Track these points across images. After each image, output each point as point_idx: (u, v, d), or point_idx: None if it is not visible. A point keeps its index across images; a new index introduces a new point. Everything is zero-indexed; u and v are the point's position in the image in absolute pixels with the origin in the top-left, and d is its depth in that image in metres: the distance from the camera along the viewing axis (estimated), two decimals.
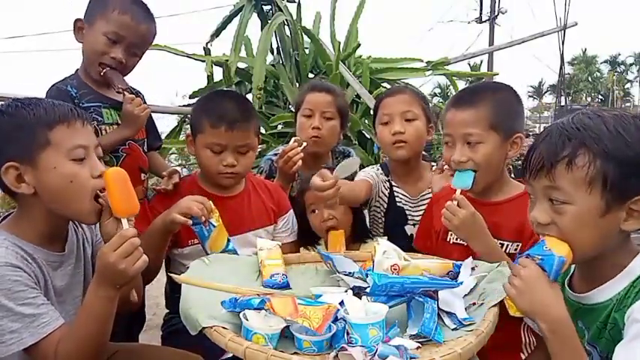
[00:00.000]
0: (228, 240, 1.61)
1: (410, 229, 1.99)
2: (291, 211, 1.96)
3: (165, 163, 2.26)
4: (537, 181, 1.06)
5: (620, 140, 0.98)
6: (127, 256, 1.14)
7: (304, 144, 2.01)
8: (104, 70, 1.80)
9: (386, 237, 1.83)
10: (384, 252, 1.47)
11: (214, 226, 1.56)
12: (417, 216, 1.98)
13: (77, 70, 1.89)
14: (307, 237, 1.95)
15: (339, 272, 1.43)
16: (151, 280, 1.38)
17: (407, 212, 2.01)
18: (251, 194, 1.86)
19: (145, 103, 2.03)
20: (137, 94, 1.99)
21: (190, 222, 1.52)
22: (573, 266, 1.14)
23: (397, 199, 2.02)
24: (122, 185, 1.23)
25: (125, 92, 1.81)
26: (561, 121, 1.07)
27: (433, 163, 2.13)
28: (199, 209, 1.51)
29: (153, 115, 2.11)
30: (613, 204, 1.00)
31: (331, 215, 1.85)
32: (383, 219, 2.04)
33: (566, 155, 1.01)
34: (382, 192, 2.03)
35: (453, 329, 1.18)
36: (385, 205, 2.03)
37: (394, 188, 2.02)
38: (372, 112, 3.83)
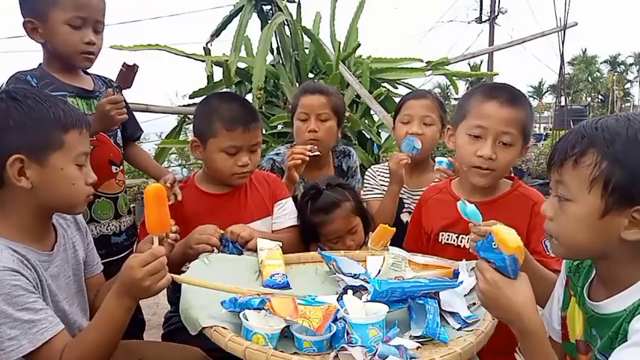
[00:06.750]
0: None
1: (405, 217, 2.13)
2: (289, 198, 1.96)
3: (153, 161, 2.19)
4: (551, 174, 1.08)
5: (634, 146, 0.96)
6: (154, 274, 1.16)
7: (316, 153, 2.02)
8: (121, 68, 1.76)
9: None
10: (392, 264, 1.52)
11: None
12: (413, 205, 2.09)
13: (40, 64, 1.82)
14: (311, 236, 1.93)
15: (343, 274, 1.43)
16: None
17: (404, 201, 2.14)
18: (248, 188, 1.87)
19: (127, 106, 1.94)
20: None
21: (221, 247, 1.59)
22: (593, 272, 1.13)
23: None
24: (159, 204, 1.25)
25: (118, 90, 1.74)
26: (587, 120, 1.08)
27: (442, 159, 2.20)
28: (216, 237, 1.59)
29: (153, 115, 2.08)
30: (613, 208, 0.98)
31: (353, 239, 1.86)
32: None
33: (574, 153, 1.02)
34: (383, 185, 2.13)
35: (457, 329, 1.18)
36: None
37: None
38: (371, 111, 3.85)
